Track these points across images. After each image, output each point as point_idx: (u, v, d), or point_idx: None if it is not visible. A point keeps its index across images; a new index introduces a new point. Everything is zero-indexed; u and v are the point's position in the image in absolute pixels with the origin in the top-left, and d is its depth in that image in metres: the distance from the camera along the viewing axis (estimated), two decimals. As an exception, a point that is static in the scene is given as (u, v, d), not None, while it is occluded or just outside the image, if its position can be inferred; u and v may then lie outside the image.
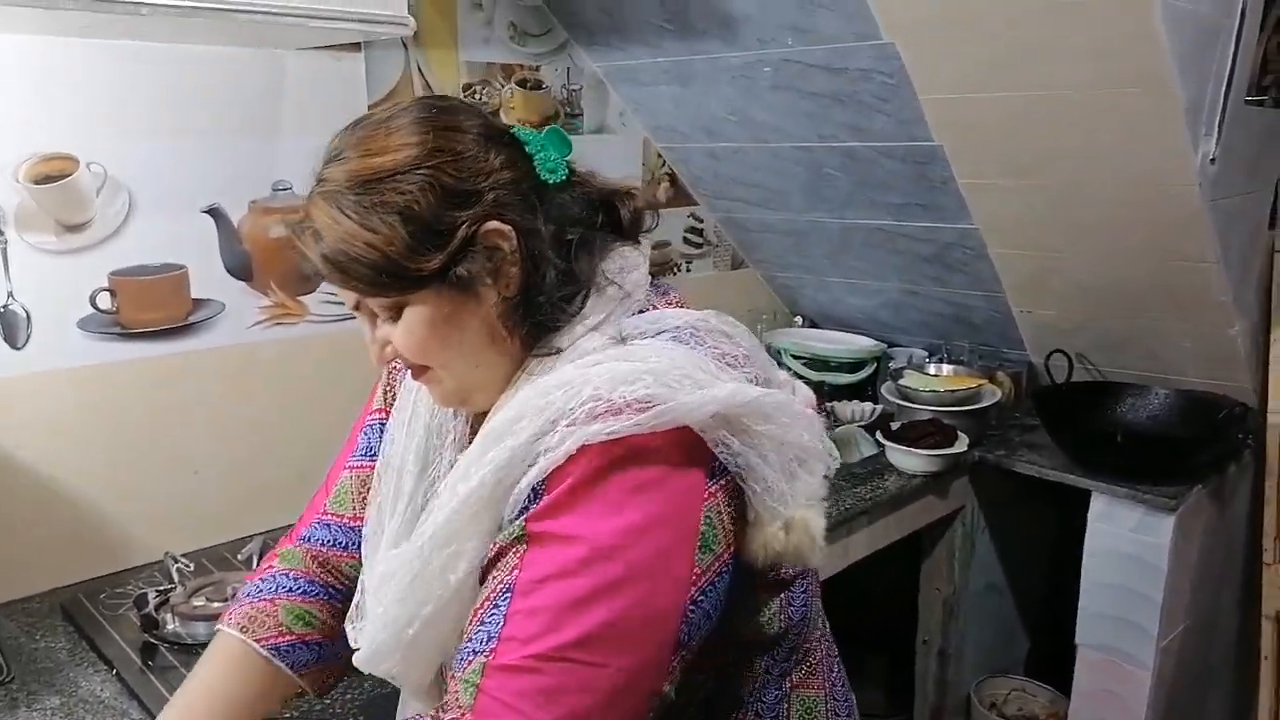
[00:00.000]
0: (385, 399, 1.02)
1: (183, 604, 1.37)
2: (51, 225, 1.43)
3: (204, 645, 0.97)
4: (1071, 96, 1.60)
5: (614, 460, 0.70)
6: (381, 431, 1.00)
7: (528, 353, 0.82)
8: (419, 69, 1.80)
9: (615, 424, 0.69)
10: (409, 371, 0.93)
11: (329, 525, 1.01)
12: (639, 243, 0.88)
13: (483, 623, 0.72)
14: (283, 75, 1.63)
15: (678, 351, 0.76)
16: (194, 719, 0.89)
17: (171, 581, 1.44)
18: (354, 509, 1.00)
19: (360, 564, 0.96)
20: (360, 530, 0.97)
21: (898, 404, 2.10)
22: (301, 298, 1.72)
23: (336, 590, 1.00)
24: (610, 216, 0.86)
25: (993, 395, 2.13)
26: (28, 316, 1.43)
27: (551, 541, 0.70)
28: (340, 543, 1.00)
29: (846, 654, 1.00)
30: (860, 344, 2.38)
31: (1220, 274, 1.79)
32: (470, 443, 0.86)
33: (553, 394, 0.73)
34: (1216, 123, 1.60)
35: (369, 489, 0.97)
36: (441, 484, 0.85)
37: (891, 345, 2.46)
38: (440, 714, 0.71)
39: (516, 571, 0.71)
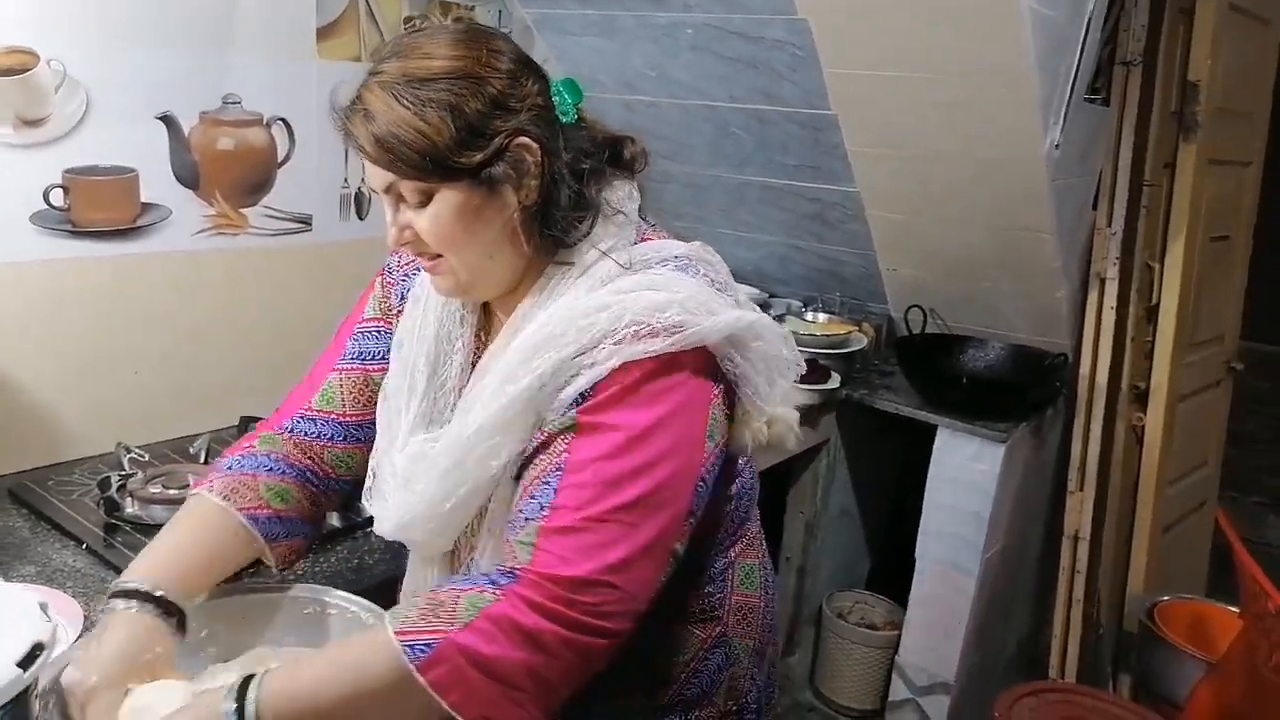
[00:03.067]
0: (379, 308, 1.13)
1: (141, 490, 1.44)
2: (10, 118, 1.45)
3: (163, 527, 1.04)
4: (950, 81, 1.86)
5: (648, 371, 0.87)
6: (376, 337, 1.11)
7: (541, 260, 0.96)
8: (364, -2, 1.88)
9: (654, 345, 0.87)
10: (415, 279, 1.07)
11: (314, 419, 1.09)
12: (633, 179, 1.02)
13: (533, 496, 0.87)
14: (236, -7, 1.68)
15: (689, 281, 0.92)
16: (162, 569, 0.95)
17: (122, 469, 1.51)
18: (343, 407, 1.09)
19: (344, 454, 1.09)
20: (348, 425, 1.09)
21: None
22: (244, 210, 1.78)
23: (313, 475, 1.09)
24: (613, 155, 0.99)
25: (860, 341, 2.43)
26: (-18, 207, 1.45)
27: (599, 429, 0.87)
28: (325, 435, 1.09)
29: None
30: (745, 293, 2.62)
31: (1054, 244, 2.12)
32: (476, 348, 1.03)
33: (594, 316, 0.88)
34: (1062, 114, 1.90)
35: (359, 389, 1.10)
36: (452, 382, 1.01)
37: (772, 296, 2.71)
38: (500, 569, 0.85)
39: (566, 454, 0.87)
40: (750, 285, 2.67)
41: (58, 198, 1.52)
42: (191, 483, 1.20)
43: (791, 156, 2.24)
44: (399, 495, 0.99)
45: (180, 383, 1.72)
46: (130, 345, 1.65)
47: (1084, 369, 2.35)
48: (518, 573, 0.83)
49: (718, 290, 0.96)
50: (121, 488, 1.44)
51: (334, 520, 1.47)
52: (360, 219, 1.95)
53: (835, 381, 2.25)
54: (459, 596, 0.82)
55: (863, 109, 2.02)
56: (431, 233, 0.91)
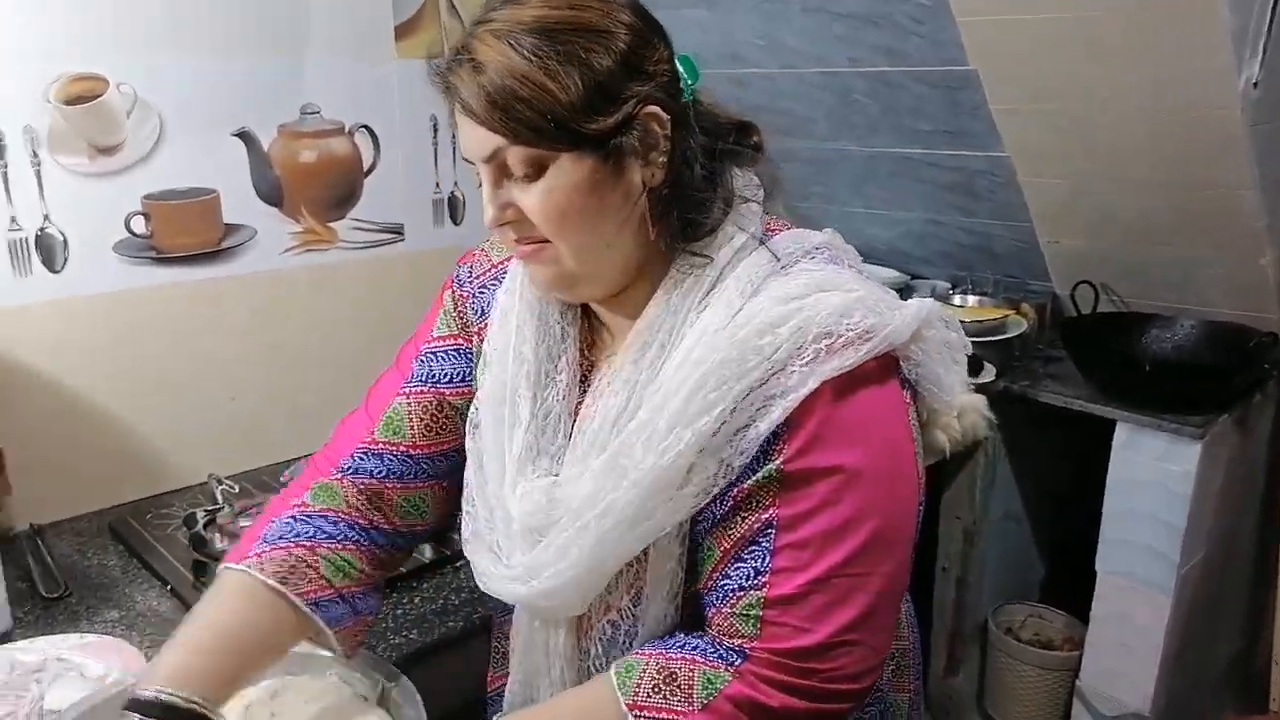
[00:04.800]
0: (453, 325, 0.96)
1: (229, 524, 1.39)
2: (84, 147, 1.42)
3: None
4: (1113, 17, 1.57)
5: (841, 390, 0.74)
6: (451, 358, 0.95)
7: (662, 254, 0.81)
8: (444, -10, 1.78)
9: (848, 358, 0.74)
10: (498, 295, 0.91)
11: (379, 455, 0.93)
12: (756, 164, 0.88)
13: (740, 559, 0.76)
14: (308, -5, 1.61)
15: (851, 276, 0.80)
16: (221, 651, 0.82)
17: (215, 502, 1.47)
18: (413, 437, 0.93)
19: (415, 496, 0.94)
20: (418, 458, 0.93)
21: (922, 333, 2.11)
22: (331, 224, 1.71)
23: (378, 534, 0.93)
24: (738, 137, 0.85)
25: (1018, 326, 2.14)
26: (64, 240, 1.43)
27: (809, 477, 0.74)
28: (394, 472, 0.93)
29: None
30: (882, 275, 2.37)
31: (1255, 201, 1.78)
32: (583, 364, 0.87)
33: (773, 334, 0.75)
34: (1261, 46, 1.57)
35: (431, 415, 0.94)
36: (559, 407, 0.84)
37: (914, 277, 2.45)
38: (719, 641, 0.76)
39: (775, 510, 0.75)
40: (887, 267, 2.43)
41: (139, 225, 1.49)
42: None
43: (925, 121, 1.98)
44: (524, 551, 0.82)
45: (275, 406, 1.68)
46: (223, 371, 1.62)
47: (1300, 346, 1.97)
48: (748, 651, 0.75)
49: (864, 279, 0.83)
50: (210, 523, 1.40)
51: (426, 553, 1.37)
52: (455, 224, 1.85)
53: (990, 374, 1.97)
54: (692, 670, 0.75)
55: (1006, 60, 1.75)
56: (541, 211, 0.76)
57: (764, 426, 0.74)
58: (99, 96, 1.41)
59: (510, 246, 0.83)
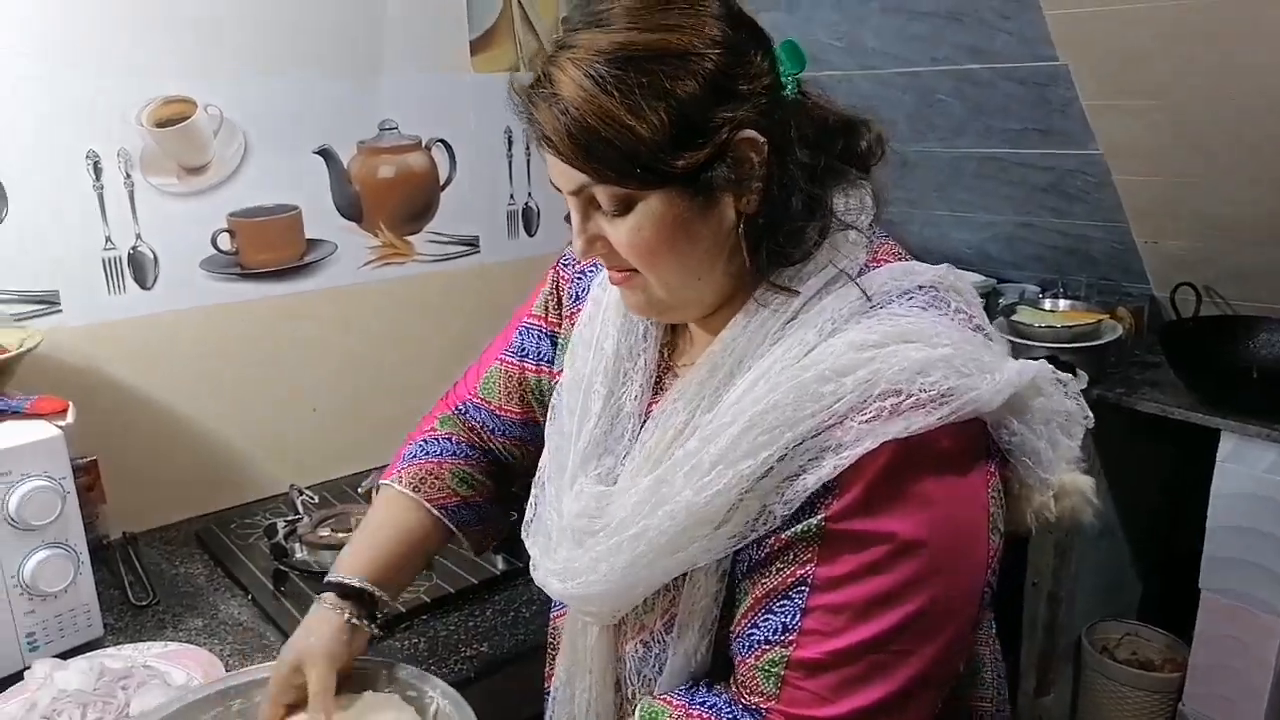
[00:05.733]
0: (547, 308, 1.01)
1: (309, 534, 1.42)
2: (173, 168, 1.47)
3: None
4: (1210, 5, 1.48)
5: (910, 452, 0.67)
6: (539, 337, 1.01)
7: (754, 278, 0.76)
8: (519, 3, 1.78)
9: (916, 421, 0.66)
10: (593, 283, 0.92)
11: (479, 407, 1.05)
12: (868, 178, 0.80)
13: (771, 611, 0.71)
14: (383, 11, 1.62)
15: (949, 327, 0.72)
16: (377, 548, 0.98)
17: (296, 512, 1.50)
18: (500, 400, 1.03)
19: (511, 447, 1.05)
20: (507, 421, 1.04)
21: (1009, 341, 2.03)
22: (409, 238, 1.73)
23: (490, 453, 1.06)
24: (847, 144, 0.78)
25: (1113, 331, 2.04)
26: (155, 257, 1.48)
27: (854, 539, 0.68)
28: (490, 427, 1.04)
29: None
30: (969, 280, 2.29)
31: (1370, 196, 1.66)
32: (660, 366, 0.86)
33: (837, 383, 0.68)
34: (1377, 31, 1.46)
35: (515, 385, 1.02)
36: (631, 406, 0.84)
37: (1001, 281, 2.37)
38: (738, 699, 0.73)
39: (814, 566, 0.69)
40: (973, 271, 2.34)
41: (225, 242, 1.53)
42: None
43: (1014, 120, 1.91)
44: (568, 549, 0.82)
45: (356, 417, 1.71)
46: (306, 382, 1.65)
47: None
48: (764, 711, 0.71)
49: (980, 332, 0.74)
50: (291, 533, 1.43)
51: (498, 565, 1.38)
52: (530, 235, 1.86)
53: (1083, 381, 1.89)
54: None
55: (1098, 53, 1.67)
56: (631, 247, 0.74)
57: (812, 480, 0.68)
58: (188, 118, 1.46)
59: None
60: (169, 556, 1.45)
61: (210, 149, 1.49)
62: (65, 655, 1.14)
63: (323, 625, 0.92)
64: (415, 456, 1.04)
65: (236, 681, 0.96)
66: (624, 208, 0.72)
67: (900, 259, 0.78)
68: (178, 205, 1.48)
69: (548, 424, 0.92)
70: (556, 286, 1.00)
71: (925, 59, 1.87)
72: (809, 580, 0.69)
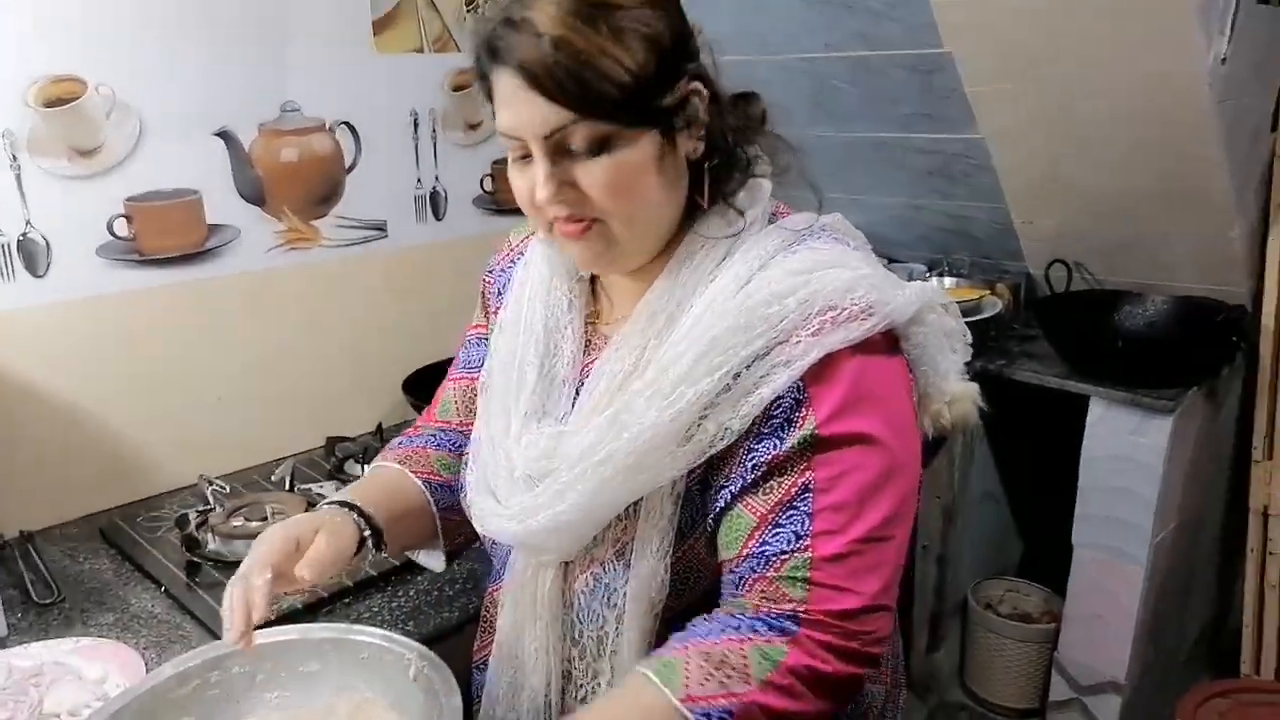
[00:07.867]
0: (481, 313, 1.06)
1: (222, 524, 1.39)
2: (64, 150, 1.41)
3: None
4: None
5: (860, 360, 0.78)
6: (479, 345, 1.04)
7: (683, 228, 0.84)
8: (421, -16, 1.77)
9: (852, 331, 0.77)
10: (518, 266, 0.97)
11: (443, 430, 1.07)
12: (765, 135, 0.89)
13: (779, 525, 0.77)
14: (284, -9, 1.59)
15: (857, 255, 0.83)
16: (377, 492, 0.96)
17: (207, 503, 1.47)
18: (460, 417, 1.06)
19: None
20: (468, 432, 1.01)
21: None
22: (315, 222, 1.71)
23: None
24: (749, 107, 0.86)
25: (993, 306, 2.17)
26: (47, 244, 1.42)
27: (843, 441, 0.77)
28: (452, 444, 1.06)
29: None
30: (862, 260, 2.39)
31: (1224, 175, 1.81)
32: (585, 336, 0.91)
33: (781, 304, 0.77)
34: (1229, 21, 1.60)
35: (471, 399, 1.04)
36: (564, 372, 0.89)
37: (891, 260, 2.47)
38: (767, 613, 0.76)
39: (812, 472, 0.77)
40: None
41: (121, 227, 1.48)
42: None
43: (903, 105, 2.00)
44: (522, 496, 0.85)
45: (264, 406, 1.68)
46: (210, 371, 1.61)
47: (1266, 319, 2.02)
48: (800, 615, 0.75)
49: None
50: (202, 524, 1.40)
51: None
52: (438, 219, 1.85)
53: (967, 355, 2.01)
54: (743, 648, 0.74)
55: (979, 41, 1.77)
56: (606, 186, 0.77)
57: (767, 393, 0.76)
58: (78, 98, 1.40)
59: (544, 226, 0.83)
60: (71, 553, 1.41)
61: (103, 131, 1.44)
62: (-31, 658, 1.10)
63: (340, 524, 0.88)
64: (400, 444, 1.06)
65: (216, 654, 0.91)
66: (600, 147, 0.75)
67: (798, 211, 0.89)
68: (70, 189, 1.42)
69: (480, 402, 0.96)
70: (484, 293, 1.05)
71: (819, 45, 1.94)
72: (811, 486, 0.77)
